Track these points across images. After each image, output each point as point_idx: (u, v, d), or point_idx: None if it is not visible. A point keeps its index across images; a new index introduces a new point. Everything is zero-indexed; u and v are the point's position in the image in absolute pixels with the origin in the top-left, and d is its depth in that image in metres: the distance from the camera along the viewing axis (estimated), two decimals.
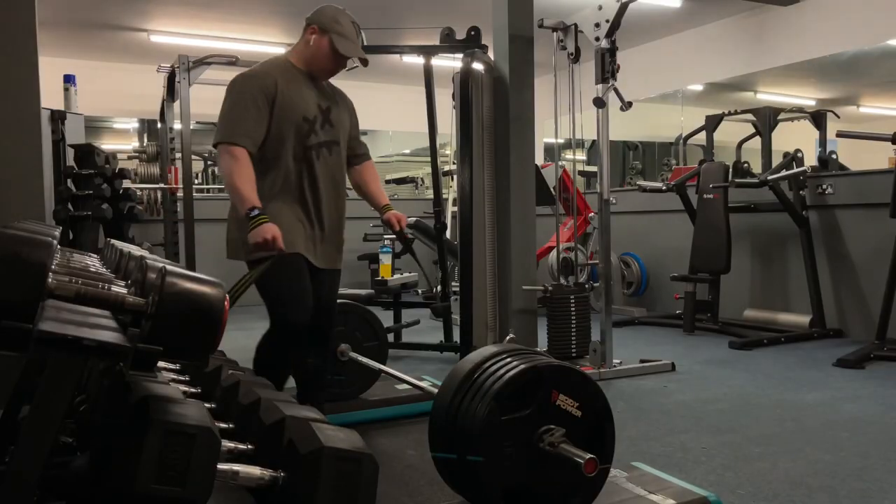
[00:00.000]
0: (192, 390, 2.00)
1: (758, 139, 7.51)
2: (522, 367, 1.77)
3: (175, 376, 2.06)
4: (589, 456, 1.66)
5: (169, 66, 6.48)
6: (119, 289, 1.43)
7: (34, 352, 1.13)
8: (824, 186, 5.23)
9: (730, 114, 7.63)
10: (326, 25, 2.53)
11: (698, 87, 8.68)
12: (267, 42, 8.11)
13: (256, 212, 2.35)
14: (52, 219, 4.59)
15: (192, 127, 6.27)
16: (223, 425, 1.77)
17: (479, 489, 1.73)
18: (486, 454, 1.70)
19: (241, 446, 1.61)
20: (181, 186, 6.34)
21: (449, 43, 4.26)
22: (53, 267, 1.32)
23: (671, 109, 8.95)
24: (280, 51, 9.42)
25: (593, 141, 5.58)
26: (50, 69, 3.98)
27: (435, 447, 1.87)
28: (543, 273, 6.05)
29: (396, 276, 5.27)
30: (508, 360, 1.82)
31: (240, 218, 2.42)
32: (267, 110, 2.45)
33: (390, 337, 4.34)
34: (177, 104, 6.31)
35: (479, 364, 1.84)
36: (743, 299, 5.87)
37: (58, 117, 5.13)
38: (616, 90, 4.11)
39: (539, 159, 8.30)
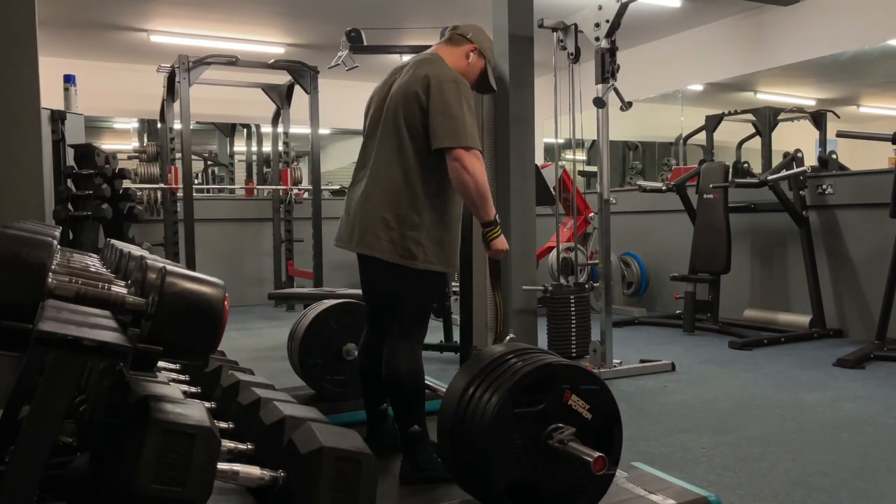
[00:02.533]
0: (192, 390, 2.01)
1: (758, 139, 7.52)
2: (538, 363, 1.79)
3: (175, 376, 2.06)
4: (598, 454, 1.67)
5: (169, 66, 6.48)
6: (119, 289, 1.43)
7: (34, 352, 1.13)
8: (824, 186, 5.23)
9: (730, 114, 7.64)
10: (487, 52, 2.57)
11: (698, 87, 8.68)
12: (267, 42, 8.11)
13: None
14: (52, 219, 4.59)
15: (192, 127, 6.27)
16: (223, 425, 1.77)
17: (485, 483, 1.73)
18: (496, 445, 1.71)
19: (241, 446, 1.61)
20: (181, 186, 6.35)
21: None
22: (53, 267, 1.32)
23: (671, 109, 8.95)
24: (280, 51, 9.39)
25: (593, 141, 5.58)
26: (50, 69, 3.99)
27: (442, 440, 1.88)
28: (543, 273, 6.05)
29: None
30: (523, 356, 1.85)
31: (437, 225, 2.33)
32: None
33: None
34: (177, 104, 6.32)
35: (495, 358, 1.86)
36: (743, 299, 5.87)
37: (58, 117, 5.13)
38: (616, 90, 4.11)
39: (539, 159, 8.30)
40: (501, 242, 2.39)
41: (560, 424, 1.75)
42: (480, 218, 2.36)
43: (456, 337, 4.58)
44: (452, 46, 2.55)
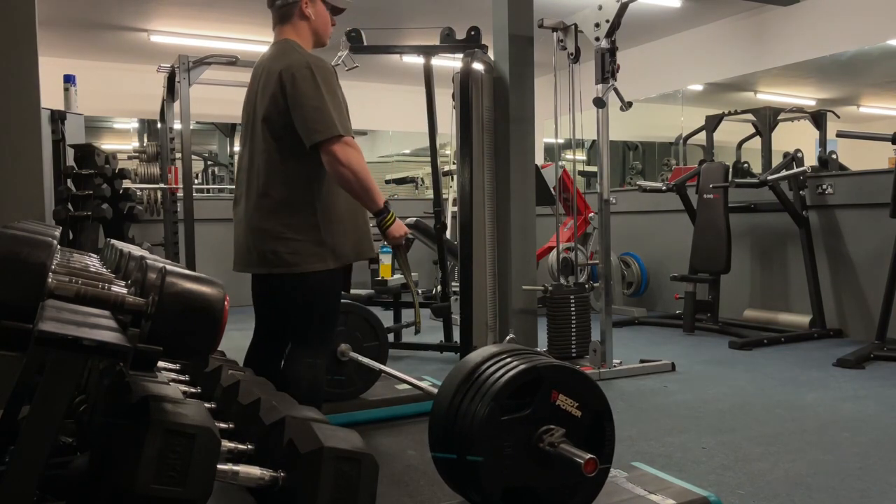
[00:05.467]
0: (192, 390, 2.00)
1: (758, 139, 7.52)
2: (522, 367, 1.77)
3: (175, 376, 2.06)
4: (589, 456, 1.66)
5: (169, 66, 6.48)
6: (119, 289, 1.43)
7: (34, 352, 1.13)
8: (824, 186, 5.23)
9: (730, 114, 7.64)
10: None
11: (698, 87, 8.69)
12: (267, 42, 8.07)
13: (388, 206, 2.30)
14: (52, 219, 4.58)
15: (192, 127, 6.27)
16: (223, 425, 1.77)
17: (479, 489, 1.73)
18: (486, 454, 1.70)
19: (241, 446, 1.61)
20: (181, 186, 6.34)
21: (449, 43, 4.26)
22: (53, 267, 1.32)
23: (671, 109, 8.96)
24: None
25: (593, 141, 5.58)
26: (50, 69, 3.99)
27: (435, 447, 1.87)
28: (543, 273, 6.05)
29: (396, 275, 5.27)
30: (508, 360, 1.82)
31: (337, 219, 2.25)
32: None
33: (390, 337, 4.35)
34: (177, 104, 6.31)
35: (479, 364, 1.84)
36: (743, 299, 5.87)
37: (58, 117, 5.12)
38: (616, 90, 4.11)
39: (539, 159, 8.30)
40: (398, 228, 2.32)
41: (550, 426, 1.74)
42: (369, 209, 2.27)
43: (456, 337, 4.58)
44: (290, 22, 2.37)
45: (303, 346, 2.33)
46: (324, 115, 2.15)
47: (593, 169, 8.33)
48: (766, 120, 7.34)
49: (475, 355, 1.91)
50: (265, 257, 2.27)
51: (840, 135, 4.88)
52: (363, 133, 12.45)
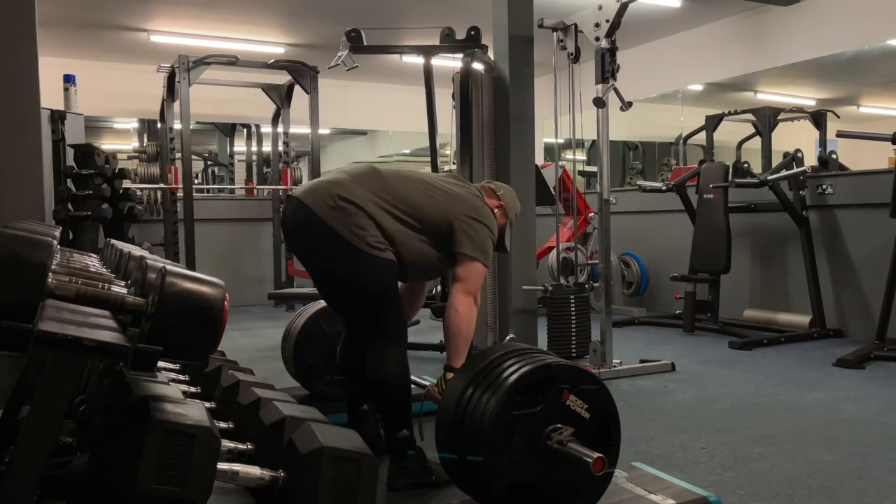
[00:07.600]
0: (192, 390, 2.01)
1: (758, 139, 7.52)
2: (536, 364, 1.79)
3: (175, 376, 2.06)
4: (597, 455, 1.67)
5: (169, 66, 6.48)
6: (119, 289, 1.43)
7: (34, 352, 1.13)
8: (824, 186, 5.23)
9: (730, 114, 7.65)
10: (511, 215, 2.60)
11: (698, 87, 8.69)
12: (267, 42, 8.11)
13: None
14: (52, 219, 4.59)
15: (192, 127, 6.27)
16: (223, 425, 1.77)
17: (485, 484, 1.74)
18: (496, 448, 1.71)
19: (241, 446, 1.61)
20: (181, 186, 6.35)
21: (449, 43, 4.26)
22: (53, 267, 1.32)
23: (671, 109, 8.96)
24: (280, 51, 9.37)
25: (593, 141, 5.58)
26: (50, 69, 3.99)
27: (441, 442, 1.87)
28: (543, 273, 6.05)
29: None
30: (522, 357, 1.84)
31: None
32: None
33: None
34: (177, 104, 6.31)
35: (492, 360, 1.85)
36: (743, 299, 5.87)
37: (58, 117, 5.13)
38: (616, 90, 4.11)
39: (539, 159, 8.30)
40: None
41: (559, 425, 1.75)
42: (452, 361, 2.23)
43: None
44: (487, 194, 2.56)
45: (377, 331, 2.27)
46: (478, 245, 2.31)
47: (593, 169, 8.33)
48: (766, 120, 7.34)
49: (487, 352, 1.92)
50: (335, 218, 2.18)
51: (840, 135, 4.88)
52: (363, 133, 12.46)
